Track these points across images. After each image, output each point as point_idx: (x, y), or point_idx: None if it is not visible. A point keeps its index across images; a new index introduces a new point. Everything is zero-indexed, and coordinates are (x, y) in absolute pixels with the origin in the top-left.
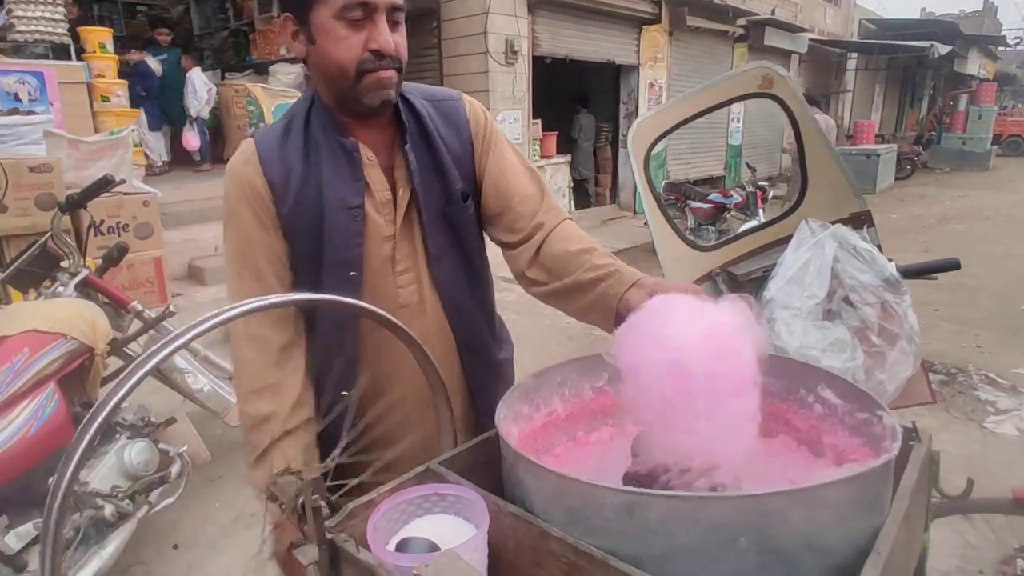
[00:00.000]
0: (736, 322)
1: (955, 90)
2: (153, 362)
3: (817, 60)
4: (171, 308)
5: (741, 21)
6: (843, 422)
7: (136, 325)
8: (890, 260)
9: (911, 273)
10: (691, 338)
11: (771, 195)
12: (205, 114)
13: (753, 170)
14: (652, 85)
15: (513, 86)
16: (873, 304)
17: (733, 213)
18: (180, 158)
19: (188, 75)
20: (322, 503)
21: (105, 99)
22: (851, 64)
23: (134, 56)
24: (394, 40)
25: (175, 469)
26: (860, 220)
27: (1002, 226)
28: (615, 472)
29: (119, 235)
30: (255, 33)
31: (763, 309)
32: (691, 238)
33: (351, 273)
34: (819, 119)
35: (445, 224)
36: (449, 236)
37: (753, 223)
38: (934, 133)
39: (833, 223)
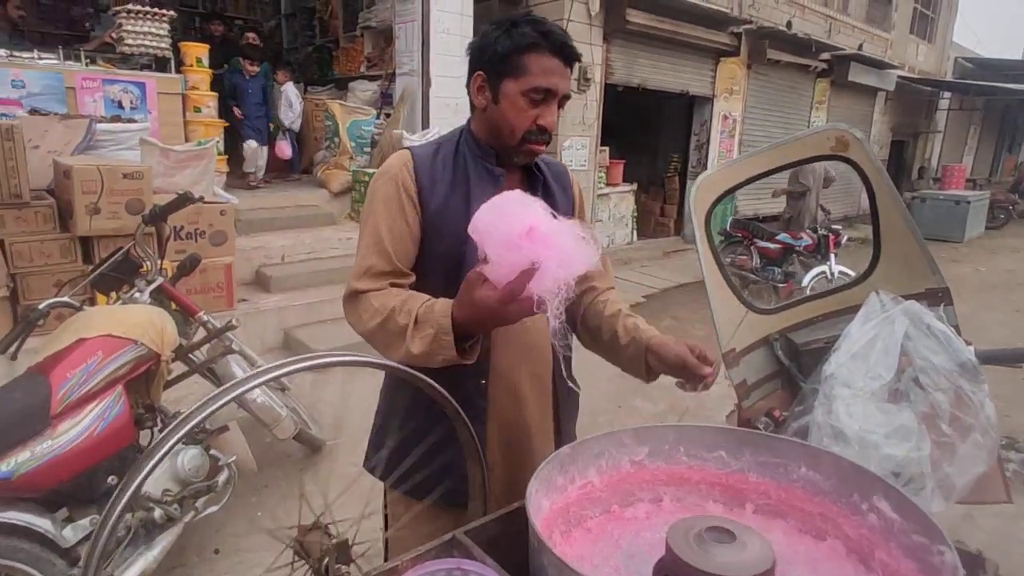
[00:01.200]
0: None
1: None
2: (234, 394)
3: (906, 98)
4: (234, 321)
5: (825, 55)
6: (898, 540)
7: (202, 334)
8: (968, 344)
9: (992, 360)
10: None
11: (845, 239)
12: (297, 126)
13: (827, 213)
14: (726, 117)
15: (583, 112)
16: (946, 390)
17: (802, 256)
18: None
19: (283, 88)
20: (346, 570)
21: (197, 110)
22: (943, 104)
23: (252, 68)
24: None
25: (223, 477)
26: (937, 297)
27: None
28: (647, 556)
29: (196, 241)
30: (339, 50)
31: (823, 386)
32: (750, 289)
33: None
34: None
35: None
36: None
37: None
38: None
39: (906, 297)
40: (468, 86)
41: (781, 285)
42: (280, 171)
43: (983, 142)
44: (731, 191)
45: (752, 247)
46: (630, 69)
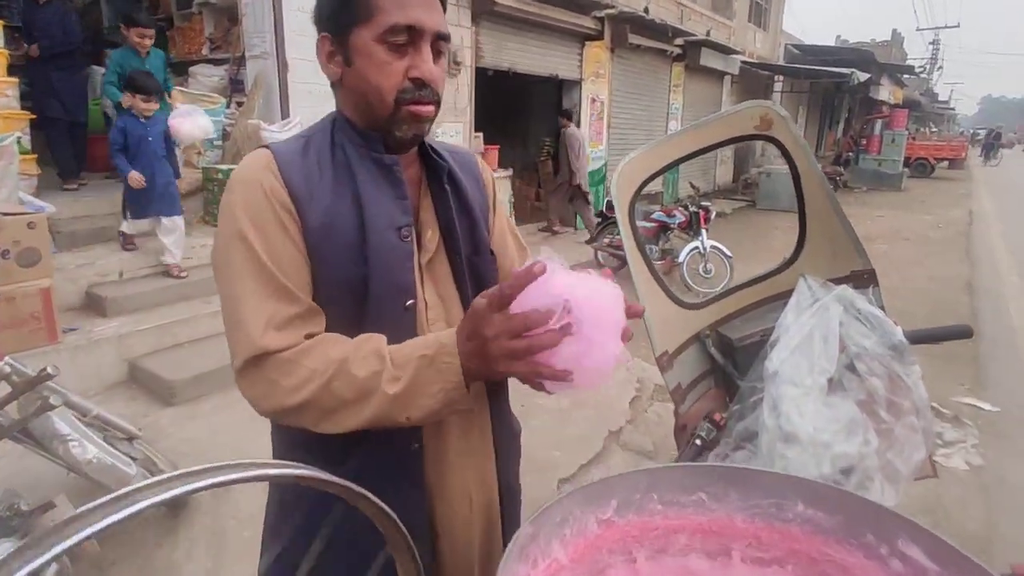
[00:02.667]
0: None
1: (869, 114)
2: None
3: (747, 82)
4: (50, 368)
5: (679, 41)
6: None
7: (6, 388)
8: (896, 324)
9: (920, 339)
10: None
11: (714, 215)
12: None
13: (696, 189)
14: (594, 100)
15: (455, 97)
16: (881, 375)
17: (676, 232)
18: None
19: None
20: None
21: None
22: (777, 86)
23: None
24: (435, 71)
25: (50, 573)
26: (863, 279)
27: (921, 247)
28: None
29: None
30: (173, 30)
31: (767, 385)
32: (690, 283)
33: (408, 302)
34: (572, 131)
35: (472, 274)
36: (474, 285)
37: (688, 248)
38: (851, 154)
39: (833, 281)
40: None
41: (659, 262)
42: (111, 170)
43: (810, 120)
44: (655, 175)
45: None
46: (500, 52)
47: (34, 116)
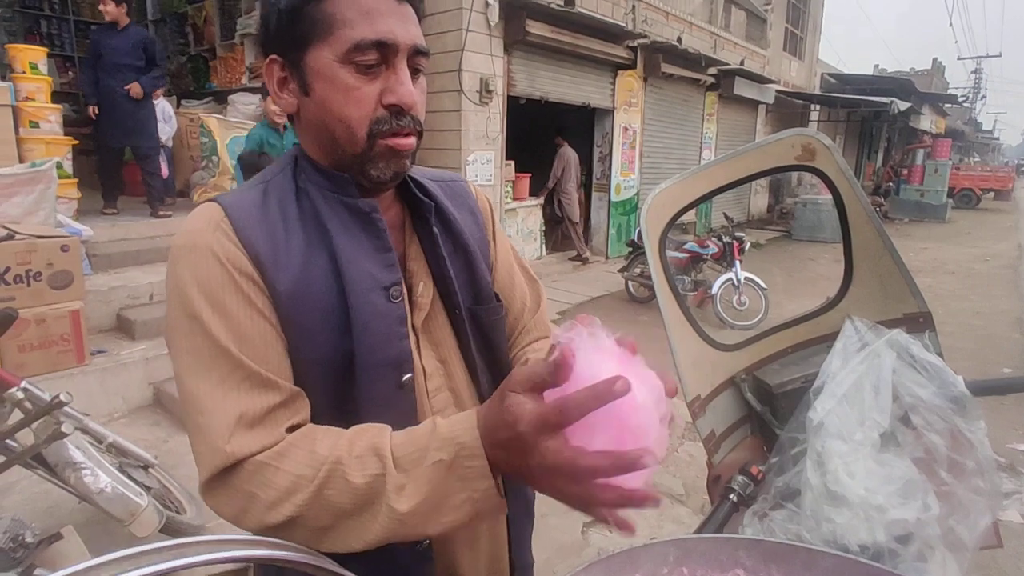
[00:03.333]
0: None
1: (909, 144)
2: None
3: (782, 111)
4: (63, 396)
5: (712, 70)
6: None
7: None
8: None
9: (985, 391)
10: None
11: (748, 246)
12: (170, 143)
13: (730, 220)
14: (626, 129)
15: (487, 126)
16: (941, 431)
17: (709, 263)
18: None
19: (155, 101)
20: None
21: (34, 124)
22: (814, 115)
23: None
24: (414, 94)
25: None
26: (918, 323)
27: (966, 281)
28: None
29: (29, 285)
30: (216, 60)
31: (811, 438)
32: (710, 335)
33: (404, 377)
34: (563, 151)
35: (475, 328)
36: (478, 341)
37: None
38: (891, 184)
39: (883, 324)
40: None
41: (692, 293)
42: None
43: (847, 150)
44: (688, 208)
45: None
46: (532, 81)
47: (76, 142)
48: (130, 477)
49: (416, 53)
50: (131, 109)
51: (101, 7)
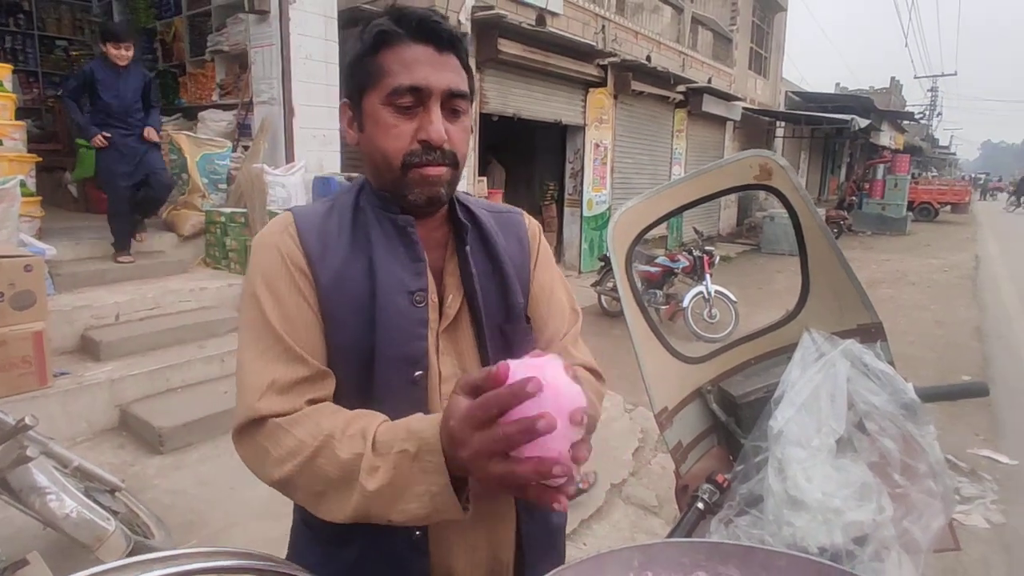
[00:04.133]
0: None
1: (870, 159)
2: None
3: (749, 128)
4: (28, 419)
5: (681, 88)
6: None
7: None
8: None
9: (933, 397)
10: None
11: (717, 259)
12: None
13: (700, 234)
14: (598, 145)
15: None
16: (894, 435)
17: (680, 277)
18: (95, 207)
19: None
20: None
21: None
22: (779, 132)
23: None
24: (449, 131)
25: None
26: (870, 333)
27: (927, 291)
28: None
29: None
30: (185, 76)
31: (772, 446)
32: (677, 348)
33: (416, 373)
34: (494, 169)
35: (502, 342)
36: (502, 356)
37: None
38: (855, 198)
39: (839, 335)
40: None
41: (663, 307)
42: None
43: (812, 165)
44: (653, 225)
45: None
46: (504, 99)
47: (40, 159)
48: (96, 502)
49: (452, 96)
50: (142, 151)
51: (114, 51)
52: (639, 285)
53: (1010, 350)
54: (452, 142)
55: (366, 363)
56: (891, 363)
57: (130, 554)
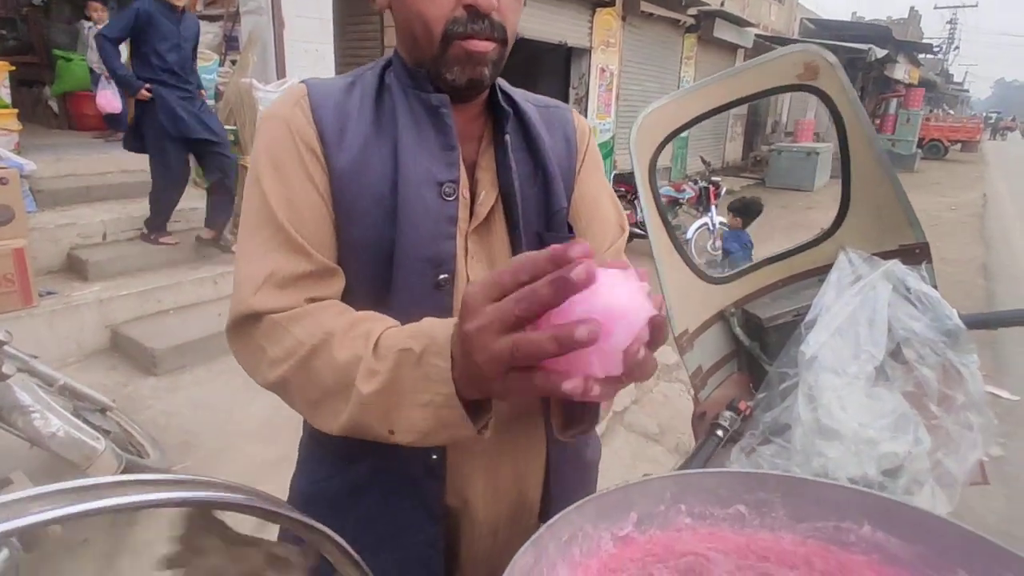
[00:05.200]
0: None
1: (883, 93)
2: None
3: (759, 54)
4: (1, 335)
5: (692, 11)
6: None
7: None
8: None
9: (979, 324)
10: None
11: (724, 190)
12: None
13: (707, 164)
14: (603, 70)
15: None
16: (933, 364)
17: (685, 208)
18: (77, 124)
19: (99, 25)
20: None
21: None
22: None
23: None
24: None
25: (1, 557)
26: (915, 254)
27: (934, 229)
28: None
29: None
30: None
31: (803, 372)
32: (696, 262)
33: (441, 276)
34: None
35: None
36: None
37: (696, 224)
38: None
39: (879, 256)
40: None
41: None
42: (101, 129)
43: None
44: (680, 130)
45: (635, 201)
46: None
47: (13, 68)
48: (85, 421)
49: None
50: (198, 109)
51: None
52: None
53: (1014, 287)
54: (502, 12)
55: (383, 263)
56: (935, 287)
57: (123, 473)
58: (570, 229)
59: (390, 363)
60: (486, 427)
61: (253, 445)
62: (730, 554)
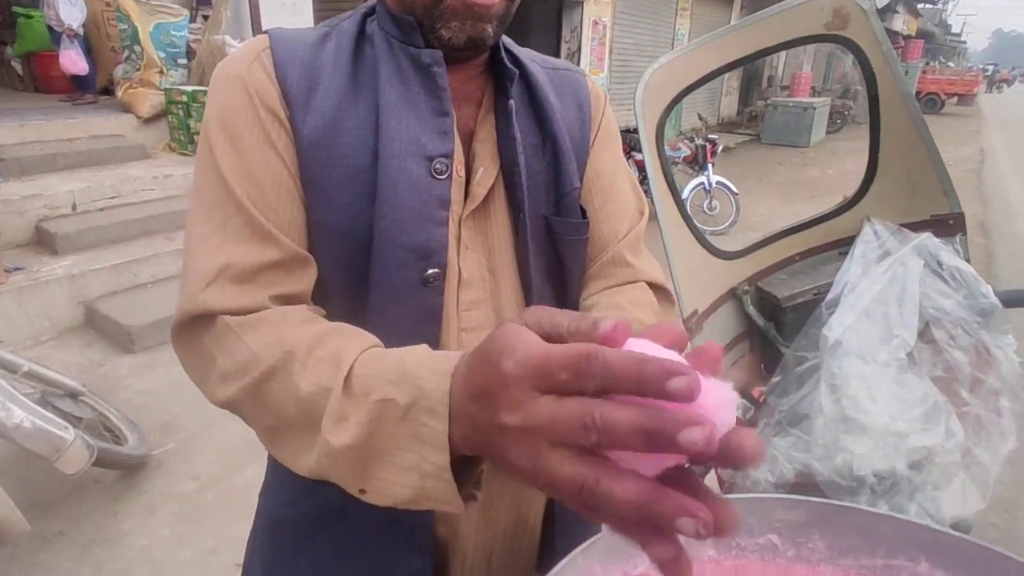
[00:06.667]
0: None
1: None
2: None
3: (757, 8)
4: None
5: None
6: None
7: None
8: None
9: (1017, 302)
10: None
11: (720, 148)
12: (82, 31)
13: (704, 121)
14: (596, 23)
15: None
16: (965, 346)
17: (681, 166)
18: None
19: None
20: None
21: None
22: None
23: None
24: None
25: None
26: (948, 226)
27: None
28: None
29: None
30: None
31: (826, 358)
32: (703, 230)
33: (429, 271)
34: None
35: (545, 240)
36: (546, 259)
37: (692, 183)
38: (859, 88)
39: (908, 227)
40: None
41: None
42: (68, 91)
43: (818, 53)
44: (694, 87)
45: (630, 159)
46: None
47: None
48: (54, 408)
49: None
50: None
51: None
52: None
53: (1013, 246)
54: None
55: (360, 253)
56: (967, 260)
57: (98, 462)
58: (583, 213)
59: (364, 414)
60: (477, 485)
61: (235, 424)
62: None
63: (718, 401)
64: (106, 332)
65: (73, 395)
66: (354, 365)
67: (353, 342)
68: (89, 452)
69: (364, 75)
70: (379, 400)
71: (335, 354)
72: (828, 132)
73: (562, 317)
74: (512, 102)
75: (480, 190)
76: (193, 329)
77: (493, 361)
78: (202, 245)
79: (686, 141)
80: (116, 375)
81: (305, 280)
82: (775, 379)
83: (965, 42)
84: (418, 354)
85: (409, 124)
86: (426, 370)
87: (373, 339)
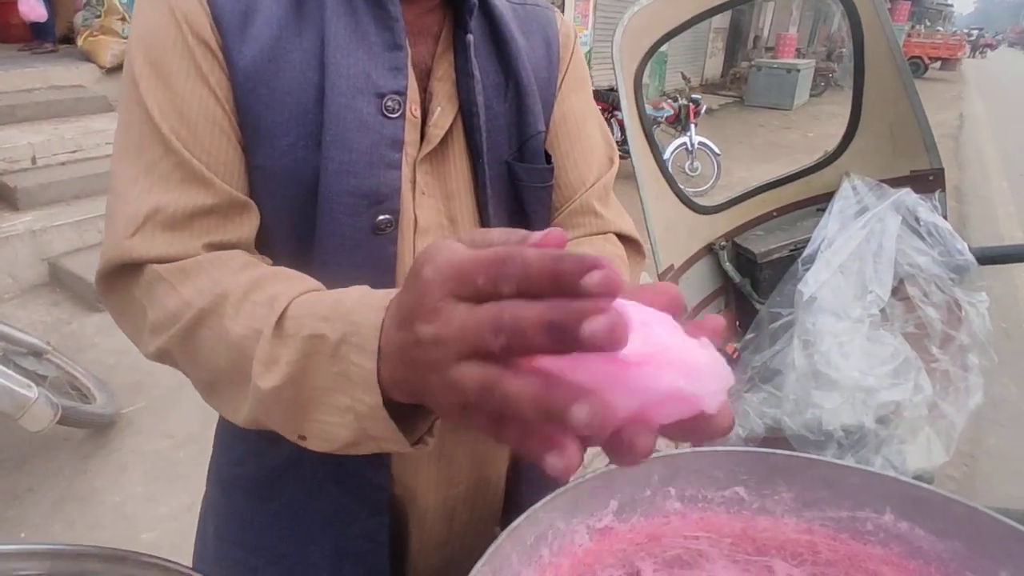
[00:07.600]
0: None
1: None
2: None
3: None
4: None
5: None
6: None
7: None
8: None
9: (993, 258)
10: None
11: (704, 109)
12: None
13: (687, 80)
14: None
15: None
16: (938, 303)
17: (663, 127)
18: (4, 35)
19: None
20: None
21: None
22: None
23: None
24: None
25: None
26: (927, 182)
27: None
28: None
29: None
30: None
31: (801, 313)
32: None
33: (381, 216)
34: None
35: (507, 187)
36: (507, 208)
37: (674, 144)
38: (843, 51)
39: (887, 182)
40: None
41: None
42: (26, 40)
43: (804, 13)
44: (673, 33)
45: (612, 119)
46: None
47: None
48: (16, 367)
49: None
50: None
51: None
52: (619, 135)
53: (985, 209)
54: None
55: (305, 199)
56: (944, 217)
57: (63, 420)
58: (548, 159)
59: (294, 352)
60: (430, 431)
61: None
62: (723, 537)
63: (712, 373)
64: (73, 290)
65: (37, 353)
66: (289, 306)
67: (291, 286)
68: (53, 410)
69: (309, 3)
70: (308, 336)
71: (271, 297)
72: (811, 95)
73: (496, 233)
74: (471, 37)
75: (436, 131)
76: (121, 279)
77: (415, 272)
78: (129, 189)
79: (669, 101)
80: (84, 333)
81: (244, 228)
82: (749, 335)
83: (951, 4)
84: (357, 292)
85: (358, 58)
86: (360, 301)
87: (315, 283)
